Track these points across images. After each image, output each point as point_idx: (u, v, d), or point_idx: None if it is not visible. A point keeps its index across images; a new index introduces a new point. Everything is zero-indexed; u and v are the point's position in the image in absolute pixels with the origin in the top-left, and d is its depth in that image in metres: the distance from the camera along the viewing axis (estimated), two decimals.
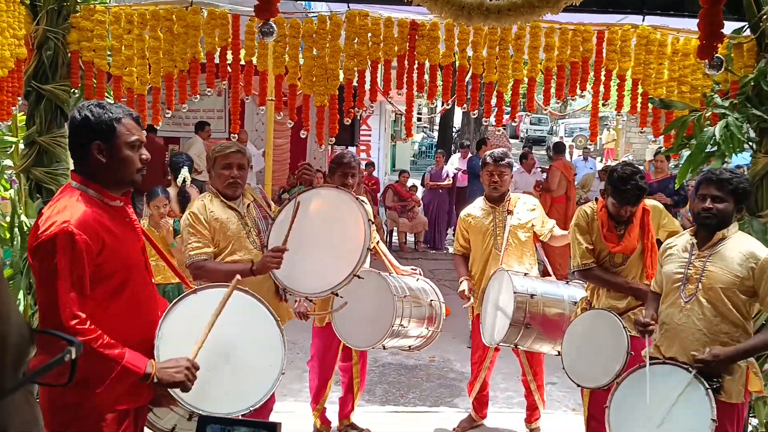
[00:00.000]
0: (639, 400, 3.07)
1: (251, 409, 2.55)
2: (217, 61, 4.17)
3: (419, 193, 12.87)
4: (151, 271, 2.58)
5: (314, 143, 5.69)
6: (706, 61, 2.09)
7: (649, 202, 3.91)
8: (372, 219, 3.60)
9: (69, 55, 4.12)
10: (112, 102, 2.51)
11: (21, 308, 4.60)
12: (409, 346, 4.34)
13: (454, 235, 5.12)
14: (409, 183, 12.73)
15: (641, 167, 4.12)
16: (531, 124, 34.63)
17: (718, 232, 3.13)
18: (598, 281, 3.84)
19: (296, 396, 5.28)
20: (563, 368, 3.79)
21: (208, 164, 3.63)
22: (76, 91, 4.17)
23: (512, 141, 29.48)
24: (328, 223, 3.51)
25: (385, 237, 11.80)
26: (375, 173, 14.14)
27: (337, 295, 3.53)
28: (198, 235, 3.46)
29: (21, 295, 4.55)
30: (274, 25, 2.08)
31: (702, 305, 3.09)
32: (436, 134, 26.86)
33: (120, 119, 2.35)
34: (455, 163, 12.96)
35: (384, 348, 4.20)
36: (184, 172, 5.68)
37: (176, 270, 2.95)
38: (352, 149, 14.05)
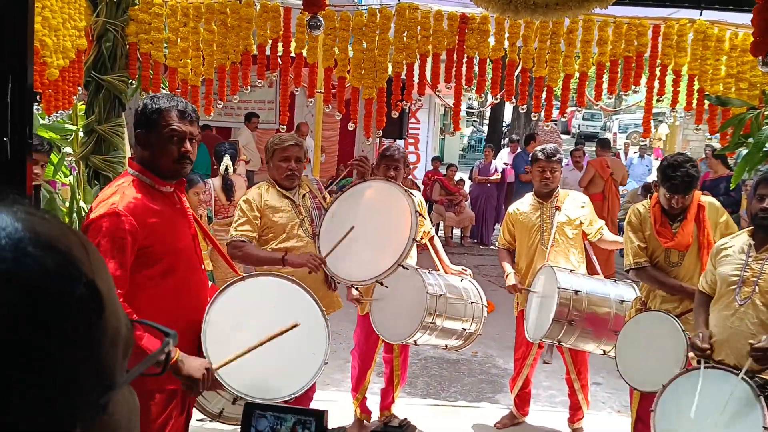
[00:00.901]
0: (686, 403, 3.01)
1: (293, 396, 2.59)
2: (268, 53, 4.24)
3: (467, 187, 12.80)
4: (202, 258, 2.64)
5: (362, 135, 5.75)
6: (760, 58, 2.02)
7: (705, 198, 3.79)
8: (420, 211, 3.62)
9: (127, 46, 4.25)
10: (169, 93, 2.59)
11: None
12: (446, 345, 4.32)
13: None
14: (457, 177, 12.67)
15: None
16: (584, 119, 33.96)
17: None
18: (652, 281, 3.75)
19: (338, 386, 5.33)
20: (617, 370, 3.71)
21: (267, 155, 3.76)
22: (134, 82, 4.30)
23: (564, 137, 28.97)
24: (376, 214, 3.57)
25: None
26: (423, 166, 14.17)
27: (381, 284, 3.56)
28: (246, 217, 3.63)
29: None
30: (321, 19, 2.12)
31: (757, 308, 3.00)
32: (485, 128, 26.64)
33: (162, 110, 2.41)
34: (504, 158, 12.84)
35: (415, 344, 4.21)
36: (227, 161, 5.80)
37: (224, 254, 3.01)
38: (401, 142, 14.10)
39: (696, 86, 4.08)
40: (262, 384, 2.57)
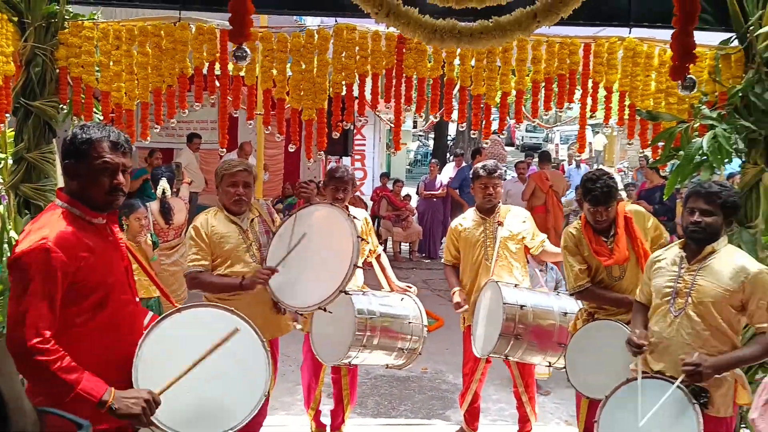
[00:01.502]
0: (627, 414, 3.06)
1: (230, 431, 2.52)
2: (205, 72, 4.18)
3: (413, 202, 12.88)
4: (135, 290, 2.56)
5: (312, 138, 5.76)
6: (680, 81, 2.09)
7: (630, 207, 3.91)
8: (362, 236, 3.65)
9: (57, 71, 4.12)
10: (102, 120, 2.51)
11: None
12: (387, 364, 4.33)
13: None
14: (404, 192, 12.74)
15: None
16: (527, 131, 34.70)
17: (707, 246, 3.12)
18: (597, 299, 3.83)
19: (288, 409, 5.26)
20: (568, 380, 3.77)
21: (216, 180, 3.79)
22: (65, 107, 4.17)
23: (508, 148, 29.51)
24: (320, 240, 3.63)
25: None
26: (370, 182, 14.17)
27: (325, 310, 3.55)
28: (197, 247, 3.69)
29: None
30: (247, 50, 2.10)
31: (691, 319, 3.09)
32: (431, 142, 26.92)
33: (93, 141, 2.33)
34: (449, 172, 12.97)
35: (350, 365, 4.21)
36: (163, 184, 5.72)
37: (159, 285, 2.93)
38: (346, 159, 14.10)
39: (627, 102, 4.21)
40: (199, 420, 2.49)
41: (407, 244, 12.25)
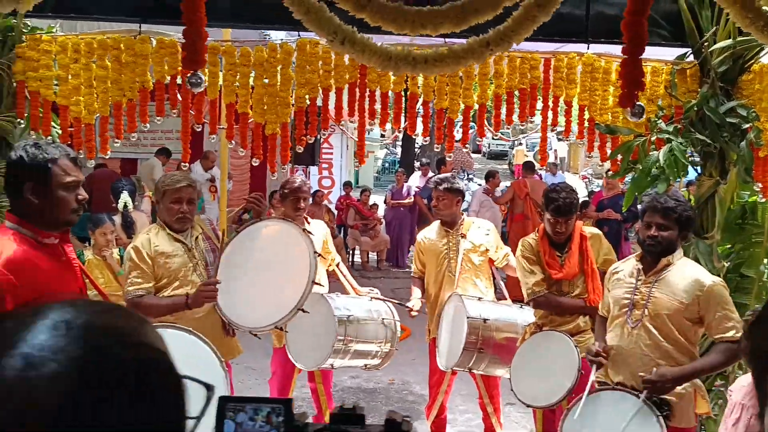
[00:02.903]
0: (589, 426, 3.11)
1: None
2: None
3: (381, 211, 12.90)
4: None
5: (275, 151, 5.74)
6: (628, 108, 2.14)
7: (588, 229, 4.02)
8: (319, 252, 3.61)
9: (14, 85, 4.05)
10: (52, 140, 2.46)
11: None
12: (365, 365, 4.38)
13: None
14: (371, 201, 12.76)
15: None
16: (493, 138, 35.02)
17: (663, 259, 3.19)
18: (552, 307, 3.89)
19: None
20: (511, 389, 3.82)
21: (157, 195, 3.59)
22: (22, 121, 4.09)
23: (475, 156, 29.74)
24: (273, 256, 3.53)
25: (347, 256, 11.78)
26: (338, 191, 14.14)
27: (281, 329, 3.52)
28: (137, 269, 3.45)
29: None
30: (202, 76, 2.10)
31: (649, 331, 3.15)
32: (399, 150, 27.00)
33: (56, 160, 2.32)
34: (416, 181, 13.03)
35: (332, 367, 4.24)
36: (125, 197, 5.61)
37: (103, 293, 2.87)
38: (314, 169, 14.06)
39: (586, 116, 4.28)
40: None
41: (375, 253, 12.25)
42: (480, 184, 20.59)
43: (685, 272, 3.17)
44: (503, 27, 2.03)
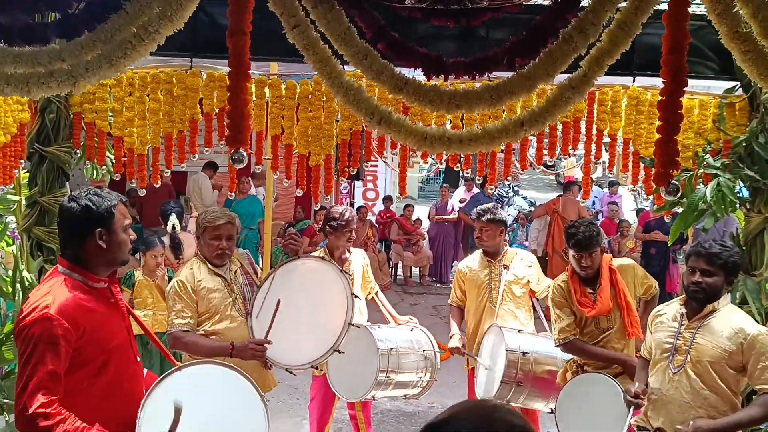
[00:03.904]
0: None
1: None
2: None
3: (424, 224, 12.91)
4: (137, 350, 2.63)
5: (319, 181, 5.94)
6: (663, 187, 2.14)
7: (618, 261, 3.95)
8: (354, 293, 3.66)
9: (71, 116, 4.23)
10: (98, 188, 2.59)
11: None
12: (405, 395, 4.41)
13: None
14: (414, 215, 12.78)
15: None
16: (534, 170, 34.61)
17: (708, 305, 3.14)
18: (581, 354, 3.85)
19: None
20: None
21: (198, 231, 3.69)
22: (78, 151, 4.27)
23: (518, 166, 29.43)
24: (310, 296, 3.59)
25: (390, 270, 11.83)
26: (381, 204, 14.20)
27: (316, 368, 3.58)
28: (182, 303, 3.55)
29: None
30: (244, 153, 2.18)
31: (690, 377, 3.10)
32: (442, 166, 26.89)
33: (117, 205, 2.47)
34: (460, 195, 13.00)
35: (374, 399, 4.29)
36: (173, 219, 5.78)
37: (160, 345, 2.97)
38: (359, 183, 14.18)
39: (631, 149, 4.24)
40: None
41: (417, 268, 12.27)
42: (525, 197, 20.37)
43: (730, 319, 3.11)
44: (538, 107, 2.07)
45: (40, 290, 2.38)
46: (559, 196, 10.76)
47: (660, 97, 2.08)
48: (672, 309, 3.31)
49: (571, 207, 10.68)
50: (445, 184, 13.42)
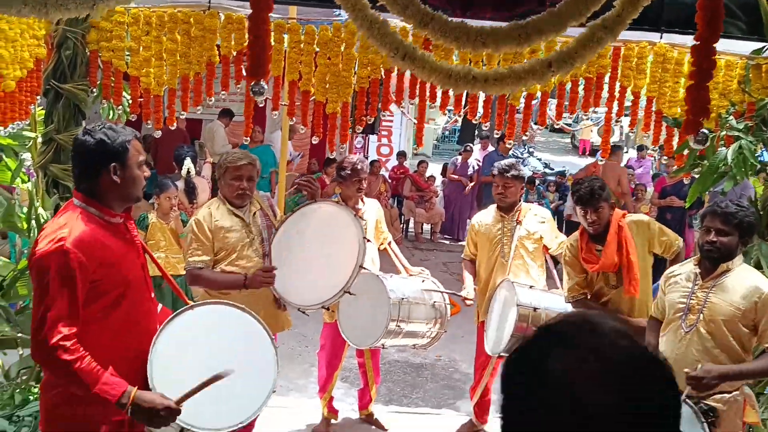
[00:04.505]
0: None
1: (240, 425, 2.63)
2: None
3: (438, 182, 12.86)
4: (151, 287, 2.65)
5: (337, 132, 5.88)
6: (692, 135, 2.07)
7: (633, 216, 3.90)
8: (366, 238, 3.67)
9: (88, 54, 4.19)
10: (110, 123, 2.57)
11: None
12: (414, 345, 4.46)
13: None
14: (428, 172, 12.72)
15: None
16: (554, 126, 34.22)
17: (722, 264, 3.12)
18: None
19: (301, 391, 5.37)
20: None
21: (219, 172, 3.71)
22: (94, 90, 4.24)
23: (535, 126, 29.17)
24: (324, 238, 3.64)
25: (401, 226, 11.83)
26: (395, 159, 14.13)
27: (327, 309, 3.63)
28: (198, 242, 3.61)
29: None
30: (265, 86, 2.14)
31: (701, 336, 3.10)
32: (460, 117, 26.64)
33: (131, 141, 2.45)
34: (476, 155, 12.90)
35: (383, 347, 4.33)
36: (188, 164, 5.77)
37: (173, 283, 2.99)
38: (373, 136, 14.09)
39: (654, 108, 4.16)
40: (209, 413, 2.59)
41: (429, 225, 12.27)
42: (540, 159, 20.15)
43: (744, 278, 3.09)
44: (567, 48, 2.00)
45: (56, 222, 2.38)
46: (597, 160, 10.59)
47: (687, 54, 2.03)
48: (685, 269, 3.29)
49: (611, 172, 10.53)
50: (469, 145, 13.27)
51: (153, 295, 2.66)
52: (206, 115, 11.72)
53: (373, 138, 14.33)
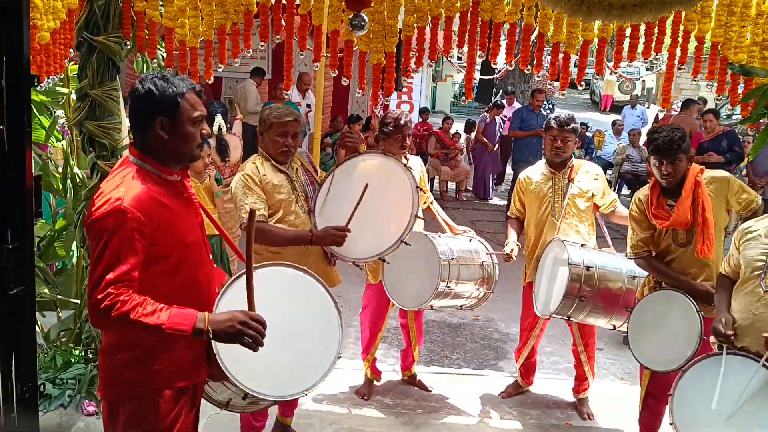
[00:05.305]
0: (707, 390, 2.96)
1: (305, 392, 2.53)
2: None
3: (462, 140, 12.63)
4: (210, 248, 2.51)
5: (356, 87, 5.54)
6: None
7: (711, 173, 3.66)
8: (419, 186, 3.54)
9: (120, 4, 3.99)
10: (171, 73, 2.38)
11: (74, 260, 4.65)
12: (461, 306, 4.38)
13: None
14: (453, 129, 12.47)
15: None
16: (574, 66, 33.58)
17: None
18: (653, 271, 3.68)
19: (342, 352, 5.27)
20: (629, 348, 3.69)
21: (262, 127, 3.55)
22: (128, 42, 4.06)
23: (555, 83, 28.61)
24: (376, 190, 3.46)
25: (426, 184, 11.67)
26: (416, 116, 13.88)
27: (384, 261, 3.51)
28: (254, 195, 3.46)
29: (74, 247, 4.59)
30: (365, 18, 1.93)
31: None
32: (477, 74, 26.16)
33: (184, 94, 2.25)
34: (503, 112, 12.63)
35: (432, 308, 4.23)
36: (219, 120, 5.58)
37: (232, 243, 2.86)
38: (393, 95, 13.80)
39: (719, 54, 3.91)
40: (272, 379, 2.48)
41: (454, 183, 12.08)
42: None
43: None
44: None
45: (112, 181, 2.22)
46: (666, 114, 10.27)
47: None
48: (763, 225, 3.10)
49: (684, 125, 10.26)
50: (501, 101, 12.99)
51: (211, 256, 2.52)
52: (226, 74, 11.51)
53: (392, 95, 14.05)
